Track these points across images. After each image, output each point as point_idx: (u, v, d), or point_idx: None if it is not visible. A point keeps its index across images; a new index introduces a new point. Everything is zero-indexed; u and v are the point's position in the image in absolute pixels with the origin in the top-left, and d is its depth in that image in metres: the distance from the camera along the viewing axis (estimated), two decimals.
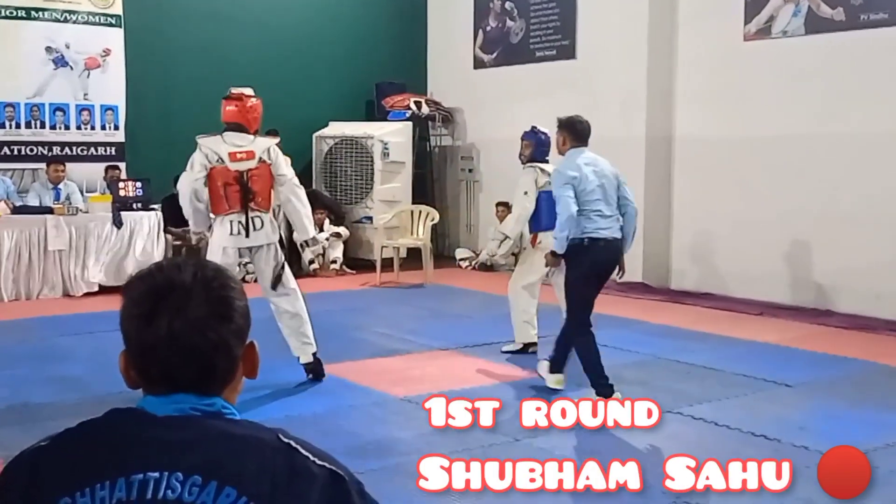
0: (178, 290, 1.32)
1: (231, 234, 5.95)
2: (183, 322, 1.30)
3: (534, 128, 7.34)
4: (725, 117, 9.56)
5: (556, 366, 5.91)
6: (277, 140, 6.41)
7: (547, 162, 7.11)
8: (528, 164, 7.14)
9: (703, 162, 9.82)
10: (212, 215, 6.10)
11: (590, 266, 5.55)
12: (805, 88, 8.87)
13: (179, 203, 6.24)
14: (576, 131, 5.72)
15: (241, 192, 5.95)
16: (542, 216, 6.86)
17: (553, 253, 5.63)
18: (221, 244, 5.97)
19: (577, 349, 5.72)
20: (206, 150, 5.97)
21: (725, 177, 9.57)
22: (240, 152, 6.00)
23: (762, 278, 9.24)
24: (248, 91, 6.29)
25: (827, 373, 6.61)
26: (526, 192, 6.97)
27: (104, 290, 9.45)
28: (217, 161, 5.97)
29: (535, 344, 7.00)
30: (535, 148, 7.18)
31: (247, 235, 5.96)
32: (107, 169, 10.58)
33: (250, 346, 1.39)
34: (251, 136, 6.13)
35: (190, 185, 6.01)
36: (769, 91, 9.16)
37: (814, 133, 8.79)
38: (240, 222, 5.94)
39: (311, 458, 1.30)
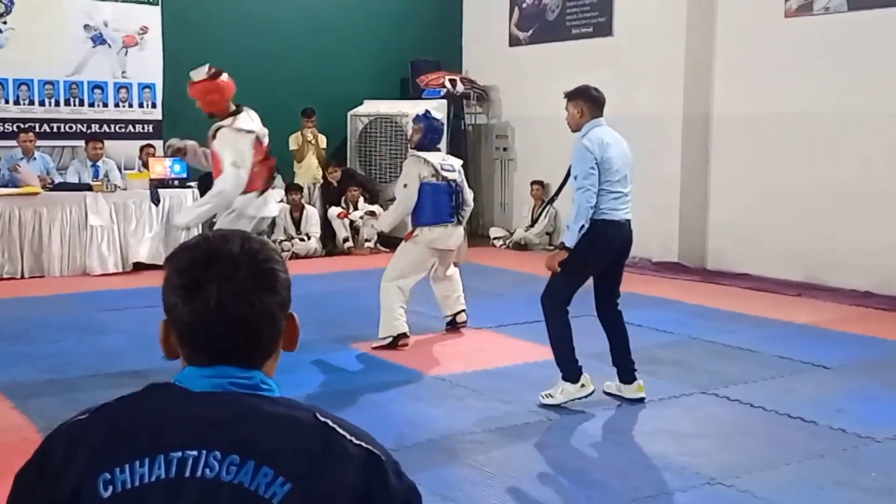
0: (224, 260, 1.32)
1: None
2: (230, 292, 1.30)
3: (427, 112, 7.02)
4: (765, 94, 9.42)
5: (631, 376, 5.36)
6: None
7: (438, 150, 6.93)
8: (413, 154, 6.80)
9: (741, 139, 9.70)
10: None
11: (599, 249, 5.08)
12: (847, 65, 8.71)
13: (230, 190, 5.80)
14: (593, 99, 5.16)
15: (269, 168, 6.05)
16: (424, 210, 6.60)
17: (562, 245, 5.07)
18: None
19: (551, 327, 5.20)
20: (251, 130, 5.97)
21: (764, 155, 9.45)
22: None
23: (800, 258, 9.13)
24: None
25: (866, 355, 6.52)
26: (406, 185, 6.66)
27: (142, 266, 9.57)
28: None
29: (405, 335, 6.55)
30: (424, 134, 6.78)
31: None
32: (142, 148, 10.68)
33: (291, 318, 1.39)
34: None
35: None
36: (809, 68, 9.01)
37: (856, 110, 8.64)
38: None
39: (348, 436, 1.30)
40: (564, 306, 5.18)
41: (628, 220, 5.20)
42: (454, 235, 6.80)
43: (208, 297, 1.30)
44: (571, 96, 5.22)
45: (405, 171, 6.76)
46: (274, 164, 6.26)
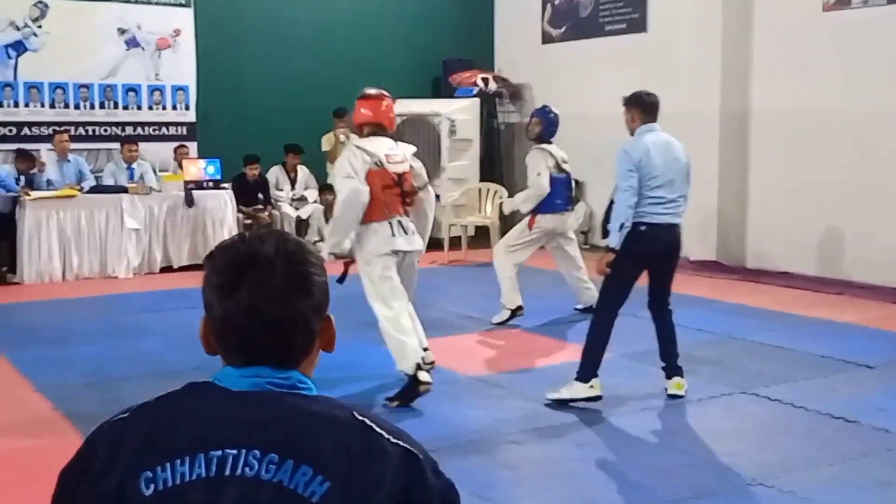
0: (260, 263, 1.32)
1: (393, 235, 5.40)
2: (263, 294, 1.31)
3: (545, 106, 7.46)
4: (804, 90, 9.28)
5: (671, 371, 5.41)
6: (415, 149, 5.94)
7: (552, 143, 7.35)
8: (536, 147, 7.28)
9: (780, 137, 9.56)
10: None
11: (642, 251, 5.11)
12: (887, 59, 8.56)
13: (338, 213, 5.48)
14: (644, 105, 5.26)
15: (401, 195, 5.49)
16: (549, 198, 7.18)
17: (607, 247, 5.17)
18: (378, 251, 5.36)
19: (594, 328, 5.25)
20: (364, 152, 5.44)
21: (804, 152, 9.31)
22: (394, 154, 5.54)
23: (841, 257, 8.99)
24: (383, 91, 5.80)
25: None
26: (539, 174, 7.13)
27: (178, 268, 9.63)
28: (375, 164, 5.43)
29: (521, 308, 7.22)
30: (544, 127, 7.31)
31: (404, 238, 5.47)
32: (176, 149, 10.76)
33: (327, 319, 1.39)
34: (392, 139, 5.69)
35: (357, 190, 5.33)
36: (849, 63, 8.86)
37: (891, 104, 8.48)
38: (399, 223, 5.43)
39: (386, 435, 1.29)
40: (616, 310, 5.25)
41: (673, 224, 5.24)
42: (569, 221, 7.59)
43: (241, 299, 1.30)
44: (625, 103, 5.35)
45: (534, 162, 7.22)
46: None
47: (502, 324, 7.21)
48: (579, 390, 5.20)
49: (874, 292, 8.40)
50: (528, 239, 7.34)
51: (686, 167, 5.34)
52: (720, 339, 6.80)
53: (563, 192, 7.34)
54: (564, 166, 7.35)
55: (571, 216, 7.76)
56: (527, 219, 7.38)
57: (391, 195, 5.44)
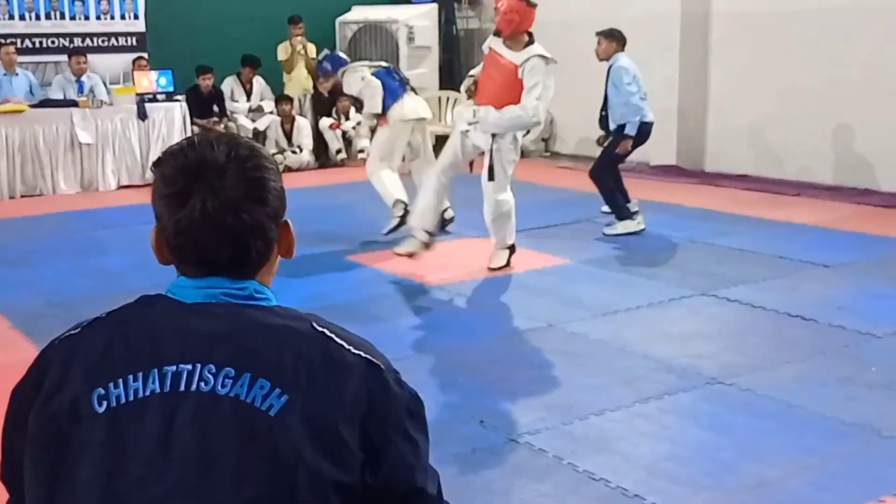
0: (211, 169, 1.26)
1: None
2: (217, 203, 1.25)
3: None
4: None
5: (621, 213, 7.07)
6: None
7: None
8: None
9: (740, 38, 9.48)
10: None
11: (641, 140, 7.16)
12: None
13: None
14: (622, 40, 7.17)
15: None
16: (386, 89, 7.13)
17: (628, 136, 7.01)
18: None
19: (606, 186, 7.13)
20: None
21: (763, 54, 9.25)
22: None
23: (800, 159, 9.04)
24: None
25: (868, 253, 6.50)
26: (370, 86, 7.12)
27: (133, 185, 9.47)
28: None
29: (405, 207, 6.81)
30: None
31: None
32: (134, 60, 10.45)
33: (285, 225, 1.33)
34: None
35: None
36: None
37: (856, 4, 8.44)
38: None
39: (347, 346, 1.26)
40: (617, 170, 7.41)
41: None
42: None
43: (193, 209, 1.24)
44: (606, 36, 7.19)
45: (352, 82, 7.32)
46: None
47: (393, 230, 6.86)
48: (630, 226, 7.05)
49: (833, 193, 8.49)
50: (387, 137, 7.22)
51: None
52: (681, 243, 6.87)
53: (393, 78, 7.27)
54: (379, 62, 7.67)
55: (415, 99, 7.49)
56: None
57: None
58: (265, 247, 1.30)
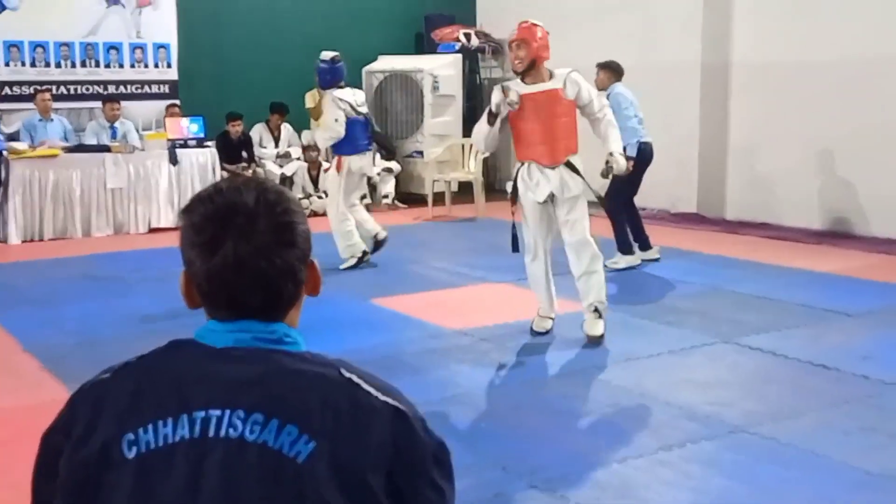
0: (241, 215, 1.27)
1: None
2: (249, 248, 1.26)
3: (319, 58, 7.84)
4: (784, 40, 9.27)
5: (623, 246, 7.40)
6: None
7: (343, 88, 7.64)
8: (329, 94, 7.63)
9: (761, 87, 9.57)
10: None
11: (643, 161, 7.36)
12: (866, 8, 8.55)
13: None
14: (620, 71, 7.54)
15: None
16: (351, 140, 7.50)
17: (629, 158, 6.82)
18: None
19: (622, 221, 7.39)
20: None
21: (784, 103, 9.31)
22: None
23: (821, 207, 9.05)
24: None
25: (890, 301, 6.48)
26: (336, 119, 7.47)
27: (162, 228, 9.61)
28: None
29: (366, 253, 7.56)
30: (319, 77, 7.74)
31: None
32: (167, 107, 10.68)
33: (312, 265, 1.35)
34: None
35: None
36: (829, 13, 8.84)
37: (877, 54, 8.49)
38: None
39: (374, 392, 1.27)
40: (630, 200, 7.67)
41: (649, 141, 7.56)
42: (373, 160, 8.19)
43: (226, 255, 1.25)
44: (603, 67, 7.49)
45: (328, 108, 7.62)
46: None
47: (352, 268, 7.50)
48: (631, 260, 7.41)
49: (854, 242, 8.48)
50: (343, 184, 7.58)
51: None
52: (703, 290, 6.87)
53: (363, 133, 7.68)
54: (360, 109, 7.71)
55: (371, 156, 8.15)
56: (334, 165, 7.70)
57: None
58: (295, 288, 1.32)
